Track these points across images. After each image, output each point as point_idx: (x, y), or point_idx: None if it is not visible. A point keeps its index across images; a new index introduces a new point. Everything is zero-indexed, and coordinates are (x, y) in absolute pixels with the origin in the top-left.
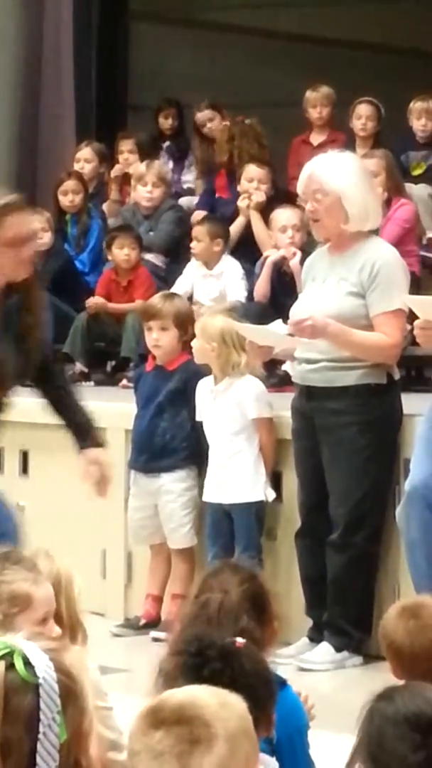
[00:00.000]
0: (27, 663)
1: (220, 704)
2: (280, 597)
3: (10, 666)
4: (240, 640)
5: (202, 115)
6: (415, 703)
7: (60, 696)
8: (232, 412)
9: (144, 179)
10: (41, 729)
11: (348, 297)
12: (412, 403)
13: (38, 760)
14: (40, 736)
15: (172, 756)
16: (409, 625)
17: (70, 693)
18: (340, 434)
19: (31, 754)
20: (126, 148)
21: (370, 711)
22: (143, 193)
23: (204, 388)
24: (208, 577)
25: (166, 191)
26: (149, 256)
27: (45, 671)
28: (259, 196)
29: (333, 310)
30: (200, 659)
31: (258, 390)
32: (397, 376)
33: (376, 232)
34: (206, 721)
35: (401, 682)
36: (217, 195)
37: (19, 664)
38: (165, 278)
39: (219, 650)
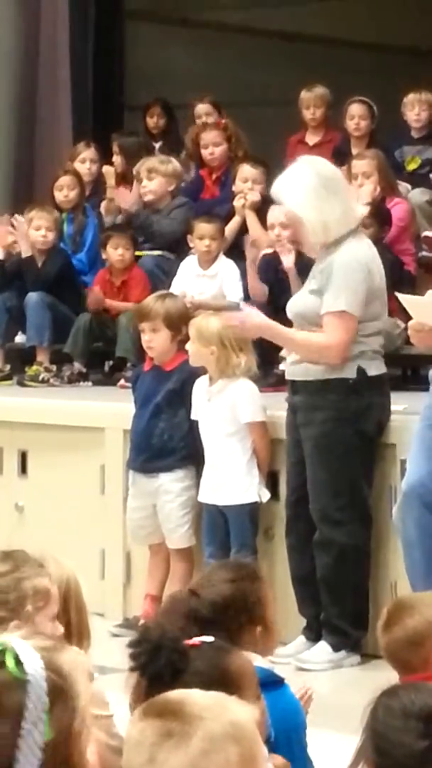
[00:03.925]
0: (17, 660)
1: (210, 706)
2: (276, 596)
3: (1, 663)
4: (199, 640)
5: (201, 108)
6: (420, 696)
7: (48, 694)
8: (226, 414)
9: (138, 176)
10: (25, 726)
11: (310, 295)
12: (408, 401)
13: (19, 756)
14: (23, 732)
15: (145, 746)
16: (385, 637)
17: (60, 692)
18: (316, 430)
19: (15, 750)
20: (114, 149)
21: (375, 707)
22: (143, 188)
23: (200, 389)
24: (207, 574)
25: (164, 181)
26: (152, 253)
27: (35, 669)
28: (254, 196)
29: (298, 308)
30: (139, 653)
31: (251, 393)
32: (373, 371)
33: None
34: (185, 719)
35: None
36: (203, 197)
37: (10, 662)
38: (168, 272)
39: (170, 648)
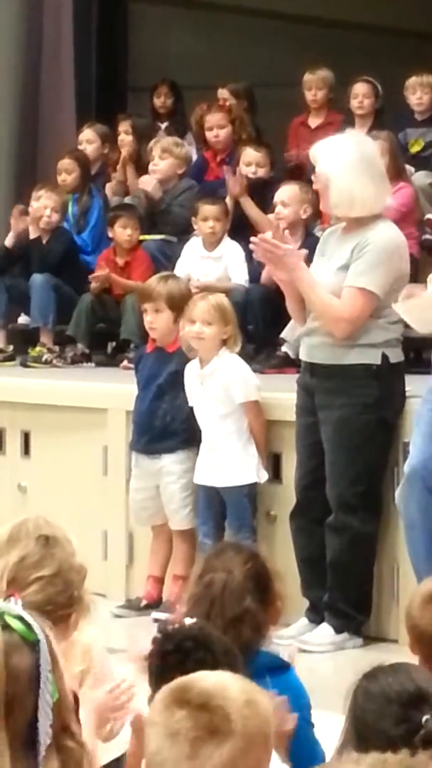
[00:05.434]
0: (24, 622)
1: (247, 702)
2: (281, 576)
3: (5, 626)
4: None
5: (221, 92)
6: (398, 680)
7: (50, 656)
8: (219, 395)
9: (151, 155)
10: (41, 686)
11: (337, 272)
12: (410, 384)
13: (39, 716)
14: (40, 692)
15: (186, 738)
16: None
17: (54, 655)
18: (338, 414)
19: (33, 711)
20: (122, 129)
21: (355, 690)
22: (152, 168)
23: (191, 373)
24: (211, 557)
25: (175, 163)
26: (155, 237)
27: (40, 631)
28: (243, 180)
29: (328, 286)
30: (171, 646)
31: (243, 373)
32: (395, 359)
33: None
34: (228, 715)
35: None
36: (206, 178)
37: (15, 624)
38: (170, 257)
39: (192, 638)
